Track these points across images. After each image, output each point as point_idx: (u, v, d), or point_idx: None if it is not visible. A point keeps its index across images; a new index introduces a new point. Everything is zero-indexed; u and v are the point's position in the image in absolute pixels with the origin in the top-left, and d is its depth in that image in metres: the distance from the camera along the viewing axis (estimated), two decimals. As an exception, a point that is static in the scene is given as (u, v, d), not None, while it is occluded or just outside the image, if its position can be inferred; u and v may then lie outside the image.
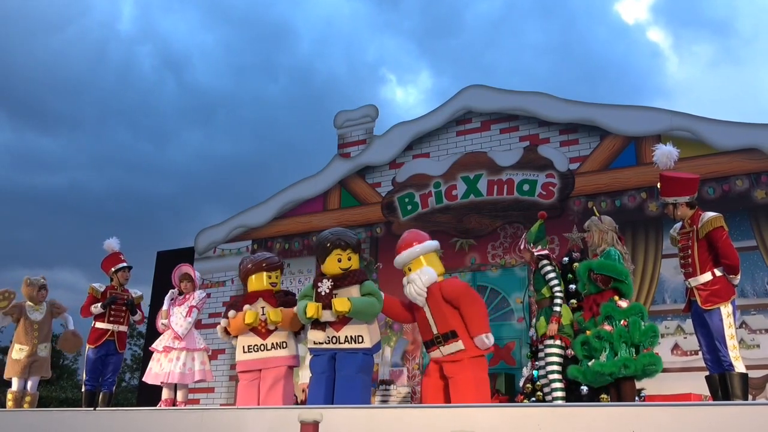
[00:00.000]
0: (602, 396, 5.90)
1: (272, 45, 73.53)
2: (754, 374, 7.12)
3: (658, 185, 5.19)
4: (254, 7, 71.46)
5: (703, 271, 4.91)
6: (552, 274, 5.75)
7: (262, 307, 5.21)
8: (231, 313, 5.23)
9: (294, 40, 73.83)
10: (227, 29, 73.07)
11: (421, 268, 4.96)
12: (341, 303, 4.74)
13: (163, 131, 70.17)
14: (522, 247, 6.07)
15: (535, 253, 5.91)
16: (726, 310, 4.83)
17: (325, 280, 4.86)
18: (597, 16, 71.71)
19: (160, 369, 6.77)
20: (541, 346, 5.85)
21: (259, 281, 5.28)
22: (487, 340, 4.77)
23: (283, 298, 5.37)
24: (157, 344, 6.94)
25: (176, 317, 6.91)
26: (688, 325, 8.33)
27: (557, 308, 5.62)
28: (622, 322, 5.06)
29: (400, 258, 5.07)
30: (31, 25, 60.26)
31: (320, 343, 4.80)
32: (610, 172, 9.34)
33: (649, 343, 5.09)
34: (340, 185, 11.35)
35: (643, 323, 5.10)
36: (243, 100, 71.88)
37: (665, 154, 5.24)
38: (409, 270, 4.99)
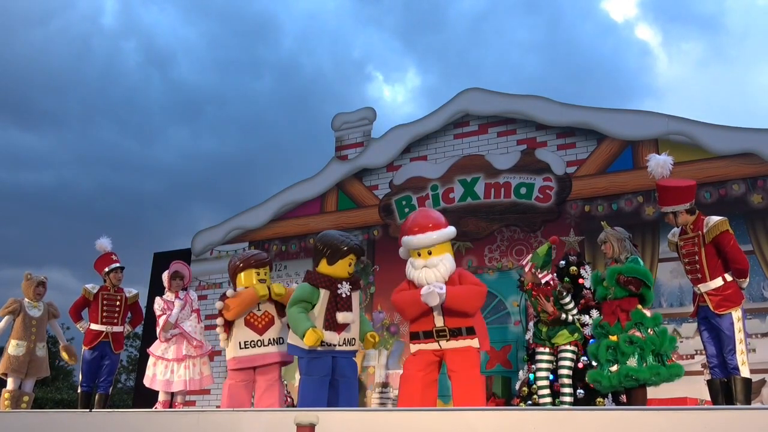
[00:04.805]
0: (598, 399, 5.92)
1: (256, 40, 72.93)
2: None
3: (656, 194, 5.12)
4: (235, 0, 70.48)
5: (713, 277, 4.85)
6: (574, 311, 5.94)
7: (258, 303, 5.22)
8: (230, 292, 5.17)
9: (278, 35, 73.07)
10: (209, 23, 72.27)
11: (445, 254, 4.58)
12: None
13: (149, 128, 69.65)
14: (526, 269, 5.81)
15: (543, 281, 5.72)
16: (737, 314, 4.81)
17: (345, 283, 4.82)
18: (584, 13, 71.20)
19: (172, 376, 6.74)
20: (543, 350, 6.09)
21: (248, 278, 5.26)
22: (440, 291, 4.37)
23: None
24: (164, 352, 6.86)
25: (190, 325, 6.88)
26: (684, 329, 8.36)
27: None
28: (649, 330, 5.05)
29: (426, 239, 4.53)
30: (12, 19, 59.52)
31: (333, 345, 4.78)
32: (607, 176, 9.37)
33: (671, 353, 5.14)
34: (337, 187, 11.36)
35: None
36: (228, 96, 71.37)
37: (659, 164, 5.03)
38: (429, 254, 4.53)
